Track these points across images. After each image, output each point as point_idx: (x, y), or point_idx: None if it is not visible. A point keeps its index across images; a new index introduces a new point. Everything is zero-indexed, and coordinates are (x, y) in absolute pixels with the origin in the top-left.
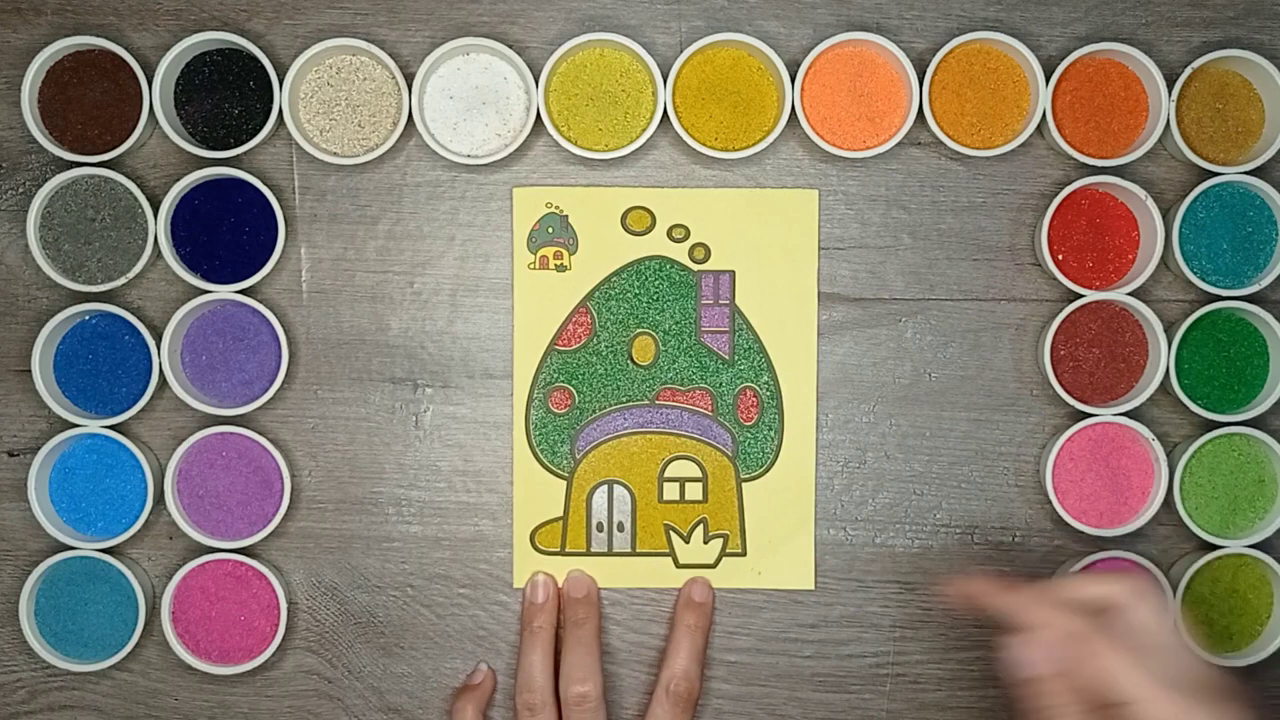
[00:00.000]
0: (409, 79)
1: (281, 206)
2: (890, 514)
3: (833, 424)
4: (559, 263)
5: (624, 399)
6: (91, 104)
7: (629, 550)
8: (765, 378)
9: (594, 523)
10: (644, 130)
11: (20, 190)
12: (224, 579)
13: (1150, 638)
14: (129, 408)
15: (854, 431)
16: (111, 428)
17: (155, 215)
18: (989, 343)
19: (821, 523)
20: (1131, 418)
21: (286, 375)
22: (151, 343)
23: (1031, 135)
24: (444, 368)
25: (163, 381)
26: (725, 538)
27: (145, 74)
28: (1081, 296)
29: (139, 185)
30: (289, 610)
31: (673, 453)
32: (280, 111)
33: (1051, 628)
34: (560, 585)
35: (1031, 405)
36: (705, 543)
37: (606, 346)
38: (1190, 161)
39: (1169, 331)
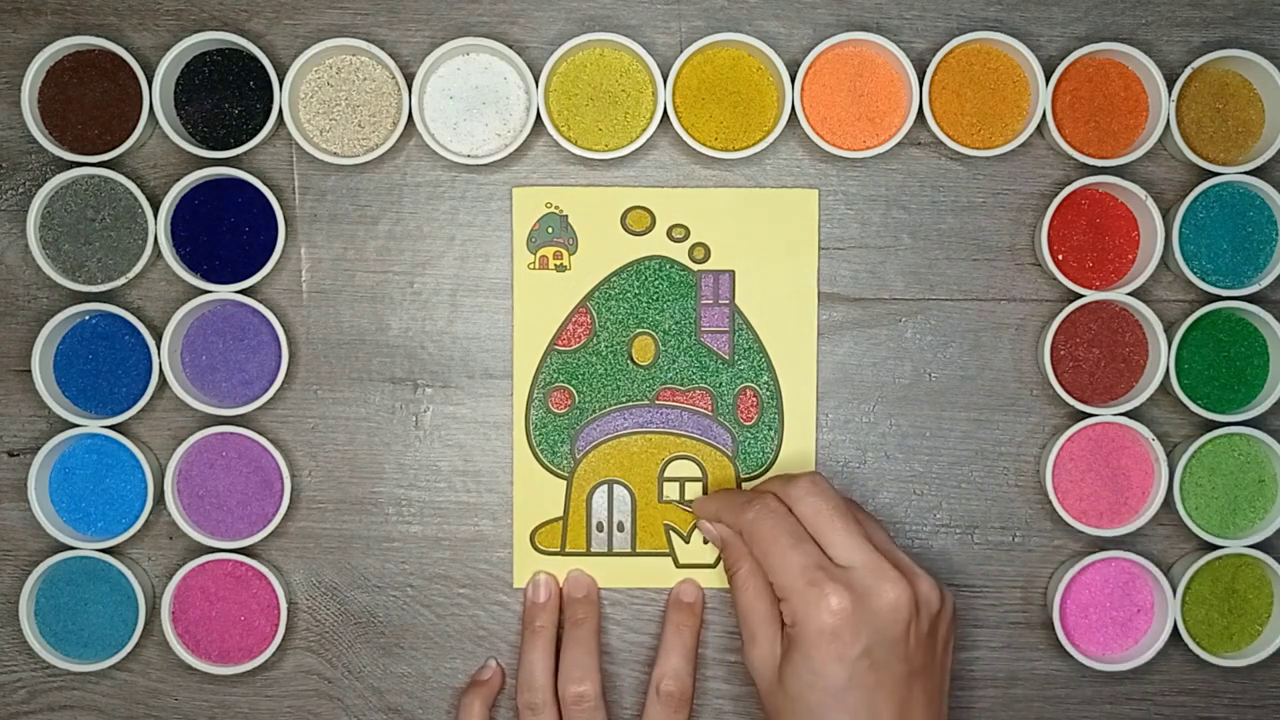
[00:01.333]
0: (409, 79)
1: (281, 206)
2: (890, 514)
3: (833, 424)
4: (559, 263)
5: (624, 399)
6: (91, 104)
7: (629, 550)
8: (765, 378)
9: (594, 523)
10: (644, 130)
11: (20, 190)
12: (224, 579)
13: (808, 527)
14: (129, 408)
15: (854, 431)
16: (111, 428)
17: (155, 215)
18: (989, 343)
19: None
20: (1131, 418)
21: (286, 375)
22: (151, 343)
23: (1031, 135)
24: (444, 368)
25: (163, 381)
26: None
27: (145, 74)
28: (1081, 296)
29: (139, 185)
30: (289, 610)
31: (673, 453)
32: (280, 111)
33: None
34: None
35: (1031, 405)
36: (705, 542)
37: (606, 346)
38: (1190, 161)
39: (1169, 331)
